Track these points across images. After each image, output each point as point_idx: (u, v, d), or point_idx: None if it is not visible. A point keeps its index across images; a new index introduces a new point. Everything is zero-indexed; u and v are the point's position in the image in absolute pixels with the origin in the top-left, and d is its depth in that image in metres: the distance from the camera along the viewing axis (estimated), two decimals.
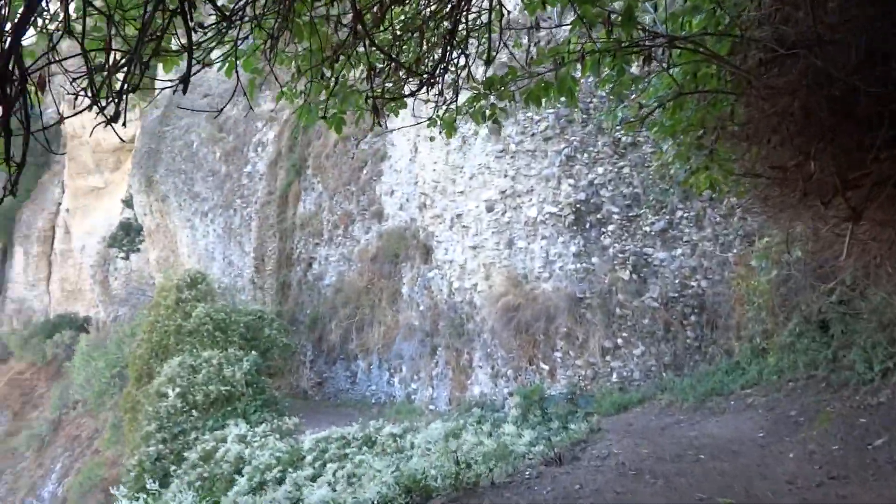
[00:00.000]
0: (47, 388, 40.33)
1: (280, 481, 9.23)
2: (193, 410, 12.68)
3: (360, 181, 18.77)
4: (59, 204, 53.81)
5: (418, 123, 4.65)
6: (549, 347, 11.46)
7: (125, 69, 2.56)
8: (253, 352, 14.21)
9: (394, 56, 3.57)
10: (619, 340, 10.83)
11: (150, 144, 33.23)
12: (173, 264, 29.25)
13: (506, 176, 12.58)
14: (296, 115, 4.39)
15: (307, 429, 12.41)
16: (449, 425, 9.20)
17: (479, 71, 4.42)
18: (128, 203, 39.43)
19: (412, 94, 3.65)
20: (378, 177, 18.29)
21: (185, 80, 2.70)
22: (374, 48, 3.40)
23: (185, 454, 11.43)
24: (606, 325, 10.86)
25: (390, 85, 3.96)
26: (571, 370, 11.12)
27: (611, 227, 11.17)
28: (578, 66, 3.50)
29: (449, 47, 3.51)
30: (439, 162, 14.09)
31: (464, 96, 4.41)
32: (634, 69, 4.23)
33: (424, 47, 3.74)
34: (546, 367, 11.51)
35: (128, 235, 39.53)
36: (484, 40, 3.58)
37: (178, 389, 12.86)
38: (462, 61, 3.86)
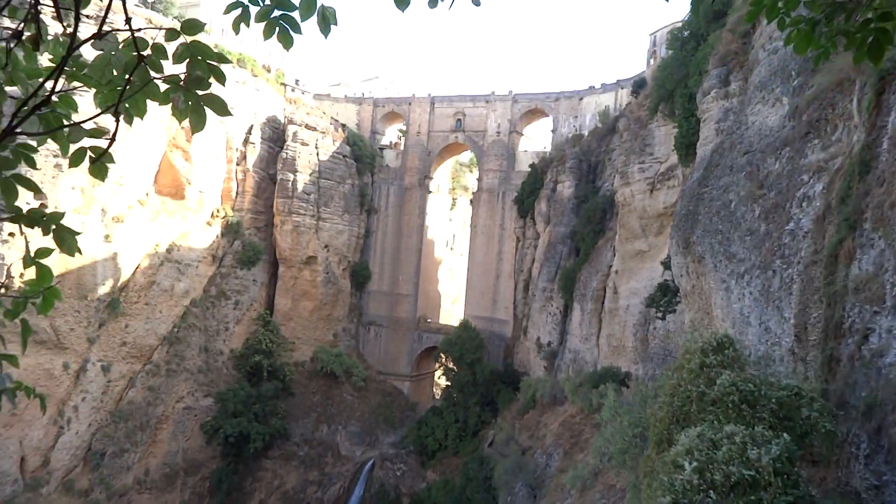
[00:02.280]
0: (591, 434, 43.72)
1: None
2: (711, 491, 11.31)
3: None
4: (610, 266, 59.11)
5: None
6: None
7: None
8: (785, 434, 12.05)
9: None
10: None
11: (688, 206, 33.38)
12: (707, 326, 28.26)
13: None
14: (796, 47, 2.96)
15: None
16: None
17: None
18: (667, 265, 40.52)
19: None
20: None
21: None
22: None
23: None
24: None
25: None
26: None
27: None
28: None
29: None
30: None
31: None
32: None
33: None
34: None
35: (665, 296, 40.47)
36: None
37: (695, 463, 11.70)
38: None
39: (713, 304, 28.99)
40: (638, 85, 68.07)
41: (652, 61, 71.24)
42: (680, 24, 54.41)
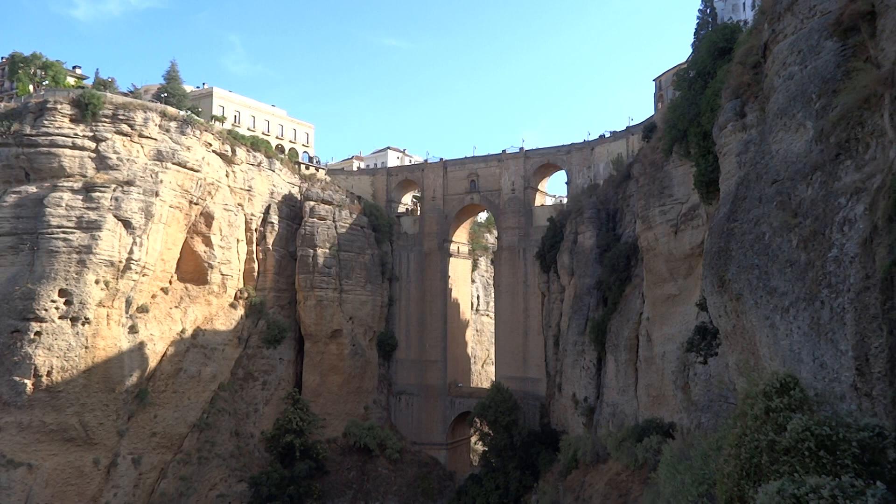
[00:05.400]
0: (640, 491, 41.37)
1: None
2: None
3: None
4: (641, 314, 57.44)
5: None
6: None
7: None
8: (878, 482, 10.68)
9: None
10: None
11: (719, 244, 32.24)
12: (754, 368, 26.70)
13: None
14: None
15: None
16: None
17: None
18: (702, 306, 39.08)
19: None
20: None
21: None
22: None
23: None
24: None
25: None
26: None
27: None
28: None
29: None
30: None
31: None
32: None
33: None
34: None
35: (704, 339, 38.83)
36: None
37: None
38: None
39: (758, 342, 27.47)
40: (648, 129, 67.96)
41: (660, 105, 71.35)
42: (685, 66, 54.47)
